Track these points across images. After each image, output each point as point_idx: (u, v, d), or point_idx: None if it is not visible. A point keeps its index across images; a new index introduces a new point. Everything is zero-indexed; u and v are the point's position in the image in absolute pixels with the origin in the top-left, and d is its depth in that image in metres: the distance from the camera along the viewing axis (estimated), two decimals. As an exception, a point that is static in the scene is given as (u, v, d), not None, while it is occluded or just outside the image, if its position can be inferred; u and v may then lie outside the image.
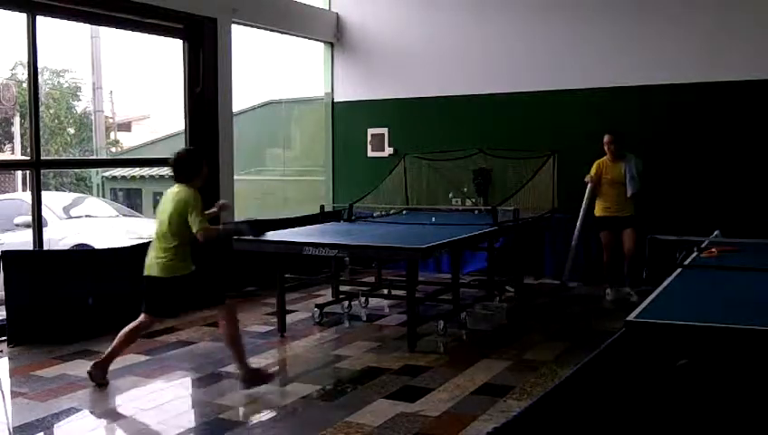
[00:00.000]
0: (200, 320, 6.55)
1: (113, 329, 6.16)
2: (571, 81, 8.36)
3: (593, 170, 7.32)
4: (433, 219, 7.15)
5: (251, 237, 5.26)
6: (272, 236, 6.31)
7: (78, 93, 16.09)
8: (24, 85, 9.95)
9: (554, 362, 5.32)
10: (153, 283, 4.77)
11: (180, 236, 4.68)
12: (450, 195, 8.73)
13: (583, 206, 7.51)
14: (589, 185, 7.37)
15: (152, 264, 4.77)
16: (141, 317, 4.94)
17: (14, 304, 5.87)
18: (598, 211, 7.39)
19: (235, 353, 4.84)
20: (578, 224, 7.63)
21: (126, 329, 4.96)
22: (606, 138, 7.24)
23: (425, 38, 9.23)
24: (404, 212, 8.11)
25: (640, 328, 2.88)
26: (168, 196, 4.79)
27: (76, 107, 16.41)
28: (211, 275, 4.93)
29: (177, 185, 4.77)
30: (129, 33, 7.70)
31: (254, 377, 4.83)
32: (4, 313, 5.92)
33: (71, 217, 10.33)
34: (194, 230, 4.60)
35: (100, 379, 4.89)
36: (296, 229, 6.93)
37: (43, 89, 14.76)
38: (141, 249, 7.02)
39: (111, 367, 5.26)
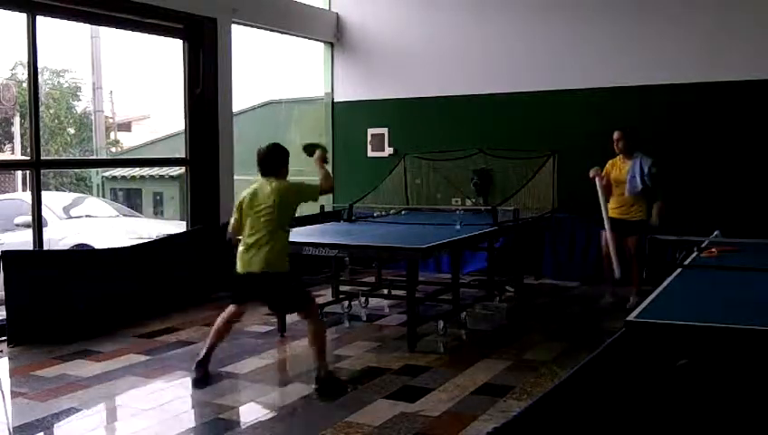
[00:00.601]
0: (200, 320, 6.55)
1: (113, 329, 6.21)
2: (571, 81, 8.36)
3: (606, 169, 7.06)
4: (458, 227, 6.65)
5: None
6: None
7: (78, 93, 16.10)
8: (24, 85, 9.95)
9: (554, 362, 5.31)
10: (256, 279, 4.78)
11: (286, 231, 4.83)
12: (456, 200, 8.72)
13: (601, 204, 6.96)
14: (597, 180, 6.95)
15: (256, 258, 4.76)
16: (231, 308, 5.02)
17: (14, 304, 5.86)
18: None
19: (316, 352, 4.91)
20: (605, 222, 6.98)
21: (219, 319, 5.03)
22: (615, 135, 6.98)
23: (425, 38, 9.23)
24: (402, 212, 8.08)
25: (640, 328, 2.88)
26: (265, 190, 4.82)
27: (76, 107, 16.42)
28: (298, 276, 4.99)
29: (268, 178, 4.87)
30: (129, 33, 7.70)
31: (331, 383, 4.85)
32: (5, 313, 5.92)
33: (71, 217, 10.34)
34: (321, 189, 4.93)
35: (202, 375, 4.94)
36: (296, 229, 6.92)
37: (43, 89, 14.76)
38: (141, 249, 7.10)
39: (111, 367, 5.28)
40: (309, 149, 5.31)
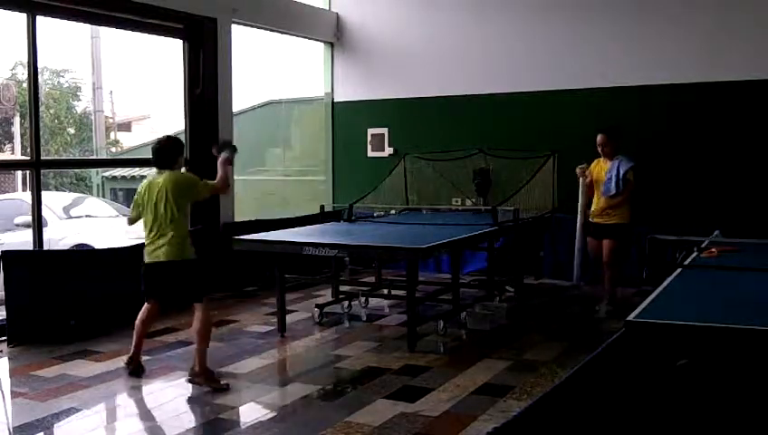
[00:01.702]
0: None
1: (114, 329, 6.21)
2: (571, 81, 8.35)
3: (591, 168, 6.93)
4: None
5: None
6: (272, 236, 6.34)
7: (78, 93, 16.11)
8: (24, 85, 9.96)
9: (554, 362, 5.32)
10: (162, 268, 4.89)
11: (186, 218, 4.95)
12: (456, 200, 8.73)
13: (579, 204, 6.98)
14: (581, 180, 6.89)
15: (161, 249, 4.86)
16: (148, 305, 5.16)
17: (14, 304, 5.87)
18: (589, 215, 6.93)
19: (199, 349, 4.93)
20: (577, 225, 7.10)
21: (138, 320, 5.15)
22: (599, 138, 6.78)
23: (425, 38, 9.23)
24: (393, 211, 8.05)
25: (640, 328, 2.88)
26: (158, 183, 4.91)
27: (76, 107, 16.43)
28: (205, 267, 5.06)
29: (164, 172, 4.95)
30: (129, 33, 7.70)
31: (209, 379, 4.86)
32: (5, 313, 5.92)
33: (71, 217, 10.34)
34: (209, 192, 5.08)
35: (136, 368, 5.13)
36: (296, 229, 6.94)
37: (43, 89, 14.76)
38: (141, 249, 7.07)
39: (111, 367, 5.28)
40: (223, 147, 5.36)
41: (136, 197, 5.07)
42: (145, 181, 5.05)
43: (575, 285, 7.14)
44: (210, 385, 4.81)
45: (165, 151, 4.96)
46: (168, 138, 5.10)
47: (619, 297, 6.90)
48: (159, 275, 4.93)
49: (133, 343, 5.14)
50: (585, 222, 7.00)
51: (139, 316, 5.15)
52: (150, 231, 4.92)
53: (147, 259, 4.95)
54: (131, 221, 5.16)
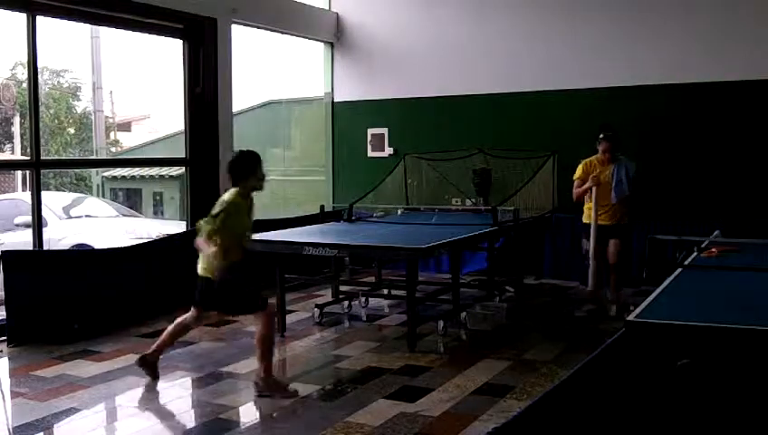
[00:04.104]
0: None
1: (114, 329, 6.22)
2: (571, 81, 8.35)
3: (579, 172, 6.77)
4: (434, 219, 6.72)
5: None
6: (272, 236, 6.35)
7: (78, 93, 16.10)
8: (24, 85, 9.95)
9: (554, 362, 5.32)
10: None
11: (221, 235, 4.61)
12: (456, 200, 8.73)
13: (593, 212, 6.64)
14: (594, 190, 6.60)
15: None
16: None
17: (14, 304, 5.86)
18: (584, 216, 6.83)
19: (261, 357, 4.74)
20: (591, 232, 6.70)
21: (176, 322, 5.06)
22: (604, 146, 6.65)
23: (425, 38, 9.23)
24: (399, 212, 8.07)
25: (640, 328, 2.88)
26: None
27: (76, 107, 16.42)
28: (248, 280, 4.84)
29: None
30: (129, 33, 7.71)
31: (273, 386, 4.71)
32: (4, 313, 5.92)
33: (71, 217, 10.34)
34: (208, 232, 4.60)
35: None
36: (296, 229, 6.94)
37: (43, 89, 14.76)
38: (141, 249, 7.09)
39: (112, 367, 5.28)
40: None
41: None
42: None
43: (594, 294, 6.84)
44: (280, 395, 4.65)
45: (229, 167, 4.78)
46: (238, 153, 4.84)
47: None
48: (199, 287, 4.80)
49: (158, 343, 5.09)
50: (581, 224, 6.91)
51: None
52: None
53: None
54: None
